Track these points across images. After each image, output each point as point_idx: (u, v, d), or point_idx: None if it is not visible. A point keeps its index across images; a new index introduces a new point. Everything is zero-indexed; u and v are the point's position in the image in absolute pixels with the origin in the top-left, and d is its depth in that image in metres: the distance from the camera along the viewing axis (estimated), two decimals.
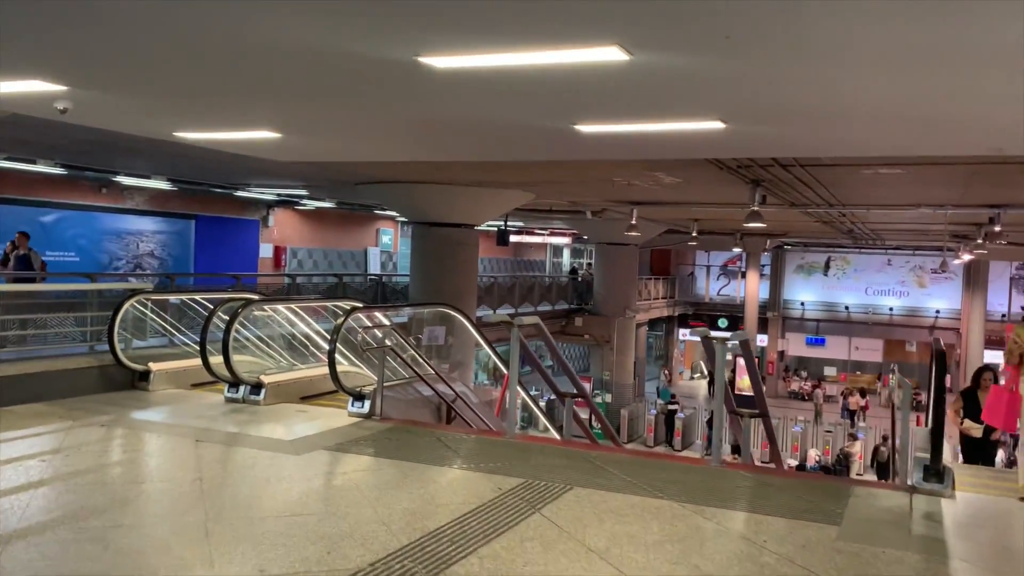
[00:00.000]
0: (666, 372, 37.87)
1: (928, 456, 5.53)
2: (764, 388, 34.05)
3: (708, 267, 40.23)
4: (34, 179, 15.71)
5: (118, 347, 8.30)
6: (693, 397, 33.98)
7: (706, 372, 42.76)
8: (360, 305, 8.32)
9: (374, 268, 26.94)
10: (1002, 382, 6.74)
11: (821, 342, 39.43)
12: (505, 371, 10.05)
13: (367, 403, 7.29)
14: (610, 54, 3.97)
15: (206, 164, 13.34)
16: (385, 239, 28.30)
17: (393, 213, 25.35)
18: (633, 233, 17.29)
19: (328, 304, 9.74)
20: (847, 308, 38.24)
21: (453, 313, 9.17)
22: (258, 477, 5.40)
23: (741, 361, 35.21)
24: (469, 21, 3.76)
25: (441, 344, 13.42)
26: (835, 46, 3.89)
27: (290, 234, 23.52)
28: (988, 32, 3.60)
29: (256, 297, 10.14)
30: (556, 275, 35.08)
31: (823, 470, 21.01)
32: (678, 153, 7.86)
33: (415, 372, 7.96)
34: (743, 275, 37.90)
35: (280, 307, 9.76)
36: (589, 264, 36.62)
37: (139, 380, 8.39)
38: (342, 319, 7.15)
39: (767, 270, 37.97)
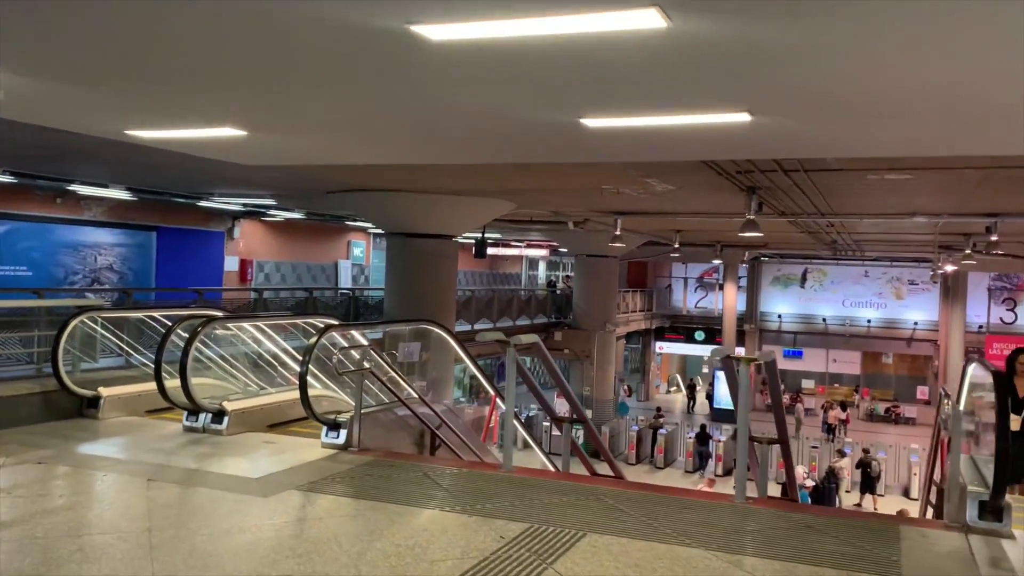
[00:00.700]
0: (626, 387, 37.22)
1: (986, 491, 4.87)
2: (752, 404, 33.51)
3: (685, 279, 39.79)
4: None
5: (63, 370, 7.44)
6: (670, 411, 33.36)
7: (683, 386, 42.32)
8: (335, 323, 7.54)
9: (345, 282, 26.08)
10: None
11: (798, 354, 39.11)
12: (492, 391, 9.33)
13: (343, 432, 6.50)
14: (646, 19, 3.27)
15: (168, 171, 12.49)
16: (357, 251, 27.46)
17: (365, 224, 24.54)
18: (617, 244, 16.66)
19: (299, 321, 8.94)
20: (824, 320, 37.97)
21: (436, 330, 8.42)
22: (218, 527, 4.60)
23: (723, 375, 34.85)
24: None
25: (416, 361, 12.67)
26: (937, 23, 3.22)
27: (257, 247, 22.61)
28: None
29: (219, 314, 9.32)
30: (534, 288, 34.41)
31: (813, 488, 20.45)
32: (688, 153, 7.20)
33: (396, 396, 7.19)
34: (720, 287, 37.50)
35: (246, 324, 8.93)
36: (567, 277, 36.03)
37: (88, 407, 7.54)
38: (315, 338, 6.37)
39: (743, 282, 37.62)
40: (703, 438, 24.56)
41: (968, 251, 18.96)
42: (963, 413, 5.04)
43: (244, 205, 19.64)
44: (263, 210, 20.74)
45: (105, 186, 15.75)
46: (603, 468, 10.08)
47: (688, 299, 39.89)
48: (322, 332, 6.48)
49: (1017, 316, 34.14)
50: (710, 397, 35.43)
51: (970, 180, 10.07)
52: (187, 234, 20.05)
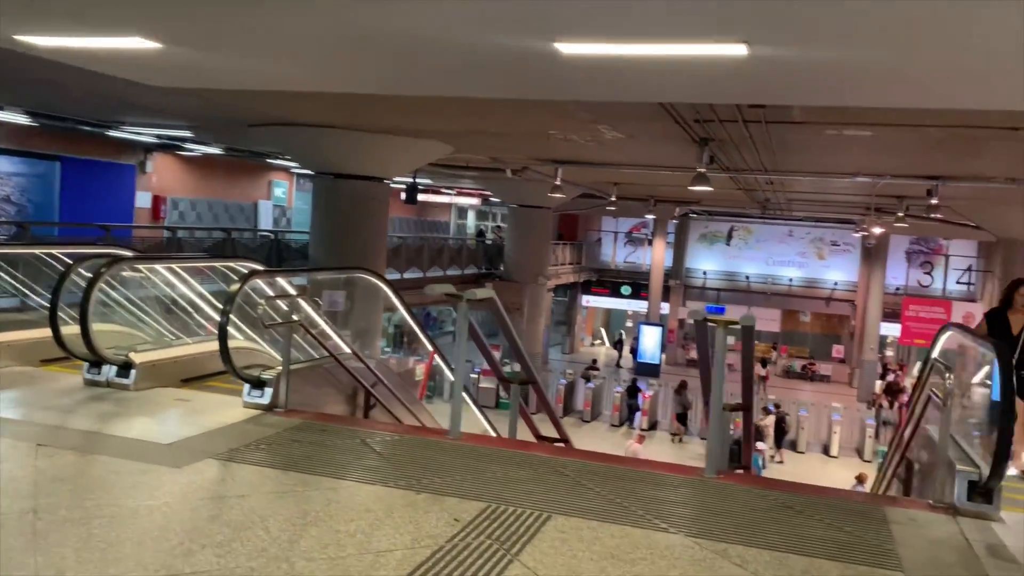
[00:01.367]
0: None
1: (975, 471, 4.52)
2: (664, 357, 33.59)
3: (616, 233, 39.62)
4: None
5: None
6: (583, 362, 33.26)
7: (607, 340, 42.48)
8: (259, 268, 6.75)
9: (266, 224, 24.87)
10: None
11: (721, 311, 39.16)
12: (430, 346, 8.71)
13: (268, 391, 5.79)
14: None
15: (72, 92, 11.27)
16: (279, 192, 26.19)
17: (289, 163, 23.31)
18: (556, 195, 16.08)
19: (218, 265, 8.08)
20: (748, 278, 38.41)
21: (373, 279, 7.69)
22: (121, 507, 3.87)
23: (648, 330, 34.96)
24: None
25: (340, 310, 11.93)
26: None
27: (171, 183, 21.22)
28: None
29: (128, 253, 8.38)
30: (464, 237, 33.62)
31: (735, 444, 20.57)
32: (671, 94, 6.60)
33: (328, 351, 6.48)
34: (649, 242, 37.47)
35: (159, 266, 8.02)
36: (498, 227, 35.40)
37: None
38: (238, 285, 5.60)
39: (671, 239, 37.66)
40: (633, 391, 24.51)
41: (900, 214, 19.06)
42: (948, 390, 4.65)
43: (158, 137, 18.25)
44: (179, 143, 19.36)
45: (0, 108, 14.29)
46: (546, 428, 9.63)
47: (617, 253, 39.78)
48: (246, 278, 5.71)
49: (933, 279, 35.10)
50: (634, 351, 35.56)
51: (929, 139, 9.79)
52: (95, 166, 18.57)
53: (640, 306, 38.67)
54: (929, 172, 13.44)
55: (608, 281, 39.00)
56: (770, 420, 21.57)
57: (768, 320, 39.34)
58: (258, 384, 5.81)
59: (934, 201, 14.16)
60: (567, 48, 4.74)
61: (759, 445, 19.09)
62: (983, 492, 4.52)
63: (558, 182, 15.73)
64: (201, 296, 8.04)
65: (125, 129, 16.93)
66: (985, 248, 34.57)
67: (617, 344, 38.01)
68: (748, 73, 5.05)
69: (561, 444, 8.68)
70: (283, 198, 26.28)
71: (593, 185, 21.62)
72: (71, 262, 7.12)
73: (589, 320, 42.49)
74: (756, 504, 4.55)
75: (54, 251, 8.49)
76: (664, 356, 35.30)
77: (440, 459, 4.99)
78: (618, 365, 35.70)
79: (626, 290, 38.84)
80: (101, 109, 14.11)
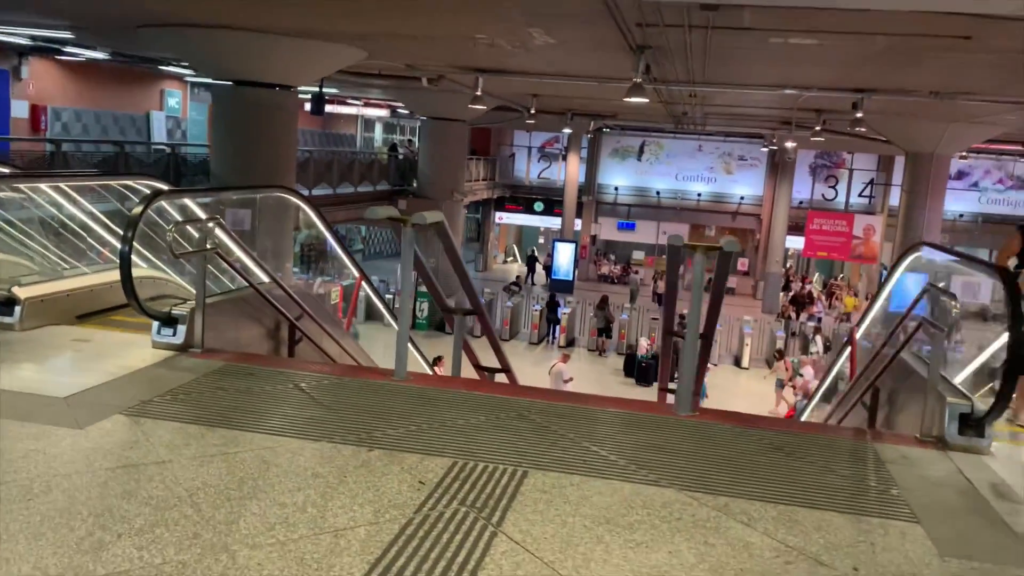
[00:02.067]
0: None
1: (966, 403, 4.25)
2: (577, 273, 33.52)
3: (529, 148, 38.90)
4: None
5: None
6: (500, 280, 32.96)
7: (520, 257, 42.22)
8: (164, 188, 5.87)
9: (159, 136, 23.14)
10: None
11: (631, 227, 39.69)
12: (356, 272, 8.03)
13: (181, 329, 5.05)
14: None
15: None
16: (172, 102, 24.36)
17: (182, 71, 21.57)
18: (477, 106, 15.26)
19: (114, 183, 7.09)
20: (658, 193, 38.48)
21: (295, 200, 6.89)
22: (9, 486, 3.16)
23: (562, 247, 34.73)
24: None
25: (246, 230, 11.05)
26: None
27: (52, 91, 19.32)
28: None
29: (6, 170, 7.33)
30: (373, 152, 32.25)
31: (654, 358, 20.71)
32: None
33: (247, 281, 5.74)
34: (563, 158, 36.96)
35: (43, 185, 7.00)
36: (410, 141, 34.16)
37: None
38: (141, 207, 4.77)
39: (584, 154, 37.23)
40: (553, 306, 24.30)
41: (818, 128, 19.06)
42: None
43: (33, 39, 16.37)
44: (58, 46, 17.46)
45: None
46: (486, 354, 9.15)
47: (531, 169, 39.16)
48: (150, 199, 4.88)
49: (837, 193, 35.91)
50: (548, 268, 35.40)
51: (871, 49, 9.47)
52: None
53: (552, 222, 38.40)
54: (865, 84, 13.23)
55: (521, 197, 38.46)
56: None
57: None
58: (169, 321, 5.06)
59: (859, 115, 14.05)
60: None
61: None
62: (975, 425, 4.26)
63: (479, 92, 14.89)
64: (94, 218, 7.10)
65: None
66: (885, 162, 35.50)
67: (529, 261, 37.75)
68: None
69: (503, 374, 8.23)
70: (177, 108, 24.45)
71: (511, 97, 20.78)
72: None
73: (502, 237, 42.06)
74: (743, 446, 4.17)
75: None
76: (576, 272, 35.28)
77: (389, 405, 4.41)
78: (531, 282, 35.47)
79: (539, 206, 38.46)
80: None
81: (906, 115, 18.24)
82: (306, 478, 3.40)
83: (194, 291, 6.89)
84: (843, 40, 9.01)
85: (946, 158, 21.26)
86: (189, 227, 5.27)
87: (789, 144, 25.90)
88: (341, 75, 17.57)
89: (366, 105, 30.57)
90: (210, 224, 5.22)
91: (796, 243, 34.58)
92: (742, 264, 39.53)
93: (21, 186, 6.90)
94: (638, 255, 40.47)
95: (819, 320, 26.87)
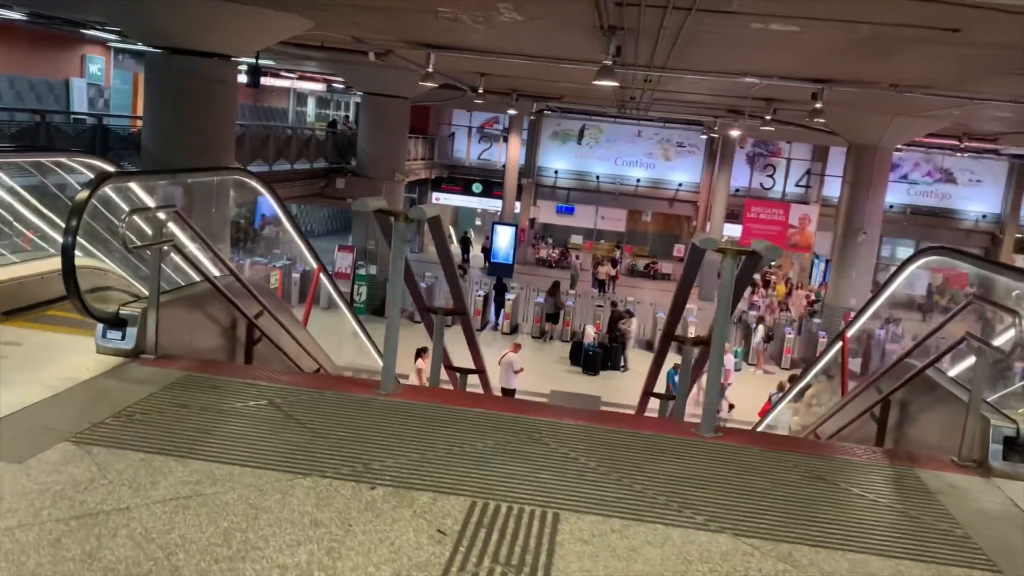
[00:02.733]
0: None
1: (1011, 425, 3.93)
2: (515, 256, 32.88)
3: (469, 128, 38.17)
4: None
5: None
6: (434, 261, 32.18)
7: (454, 238, 41.50)
8: (110, 169, 5.14)
9: (80, 106, 21.68)
10: None
11: (570, 210, 39.46)
12: (313, 262, 7.38)
13: (132, 332, 4.39)
14: None
15: None
16: (94, 69, 22.86)
17: (106, 36, 20.23)
18: (427, 84, 14.59)
19: (45, 160, 6.26)
20: (598, 178, 38.28)
21: (252, 182, 6.20)
22: None
23: (501, 230, 34.17)
24: None
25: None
26: None
27: None
28: None
29: None
30: (309, 127, 31.00)
31: (600, 347, 20.46)
32: None
33: (205, 277, 5.06)
34: (504, 139, 36.37)
35: None
36: (347, 117, 33.07)
37: None
38: (86, 192, 4.07)
39: (525, 136, 36.73)
40: (501, 288, 23.77)
41: (768, 117, 18.97)
42: None
43: None
44: None
45: None
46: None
47: (472, 150, 38.46)
48: (97, 184, 4.17)
49: (775, 182, 36.28)
50: (487, 251, 34.85)
51: (849, 39, 9.21)
52: None
53: (490, 204, 37.82)
54: (819, 76, 13.05)
55: (459, 178, 37.76)
56: (633, 324, 21.56)
57: (614, 220, 39.74)
58: (116, 322, 4.39)
59: (818, 105, 13.88)
60: None
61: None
62: (1021, 449, 3.95)
63: (430, 69, 14.21)
64: (17, 196, 6.29)
65: None
66: (820, 152, 35.99)
67: (463, 242, 37.10)
68: None
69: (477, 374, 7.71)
70: (99, 76, 22.97)
71: (456, 75, 20.07)
72: None
73: None
74: (781, 475, 3.75)
75: None
76: (514, 256, 34.82)
77: (381, 426, 3.85)
78: (463, 266, 34.90)
79: (478, 188, 37.82)
80: None
81: (854, 107, 18.28)
82: (304, 528, 2.84)
83: (133, 281, 6.23)
84: (825, 28, 8.72)
85: (889, 150, 21.49)
86: (139, 217, 4.56)
87: (735, 132, 25.87)
88: (279, 46, 16.63)
89: (300, 78, 29.39)
90: (163, 215, 4.54)
91: (733, 231, 34.82)
92: (678, 250, 39.73)
93: None
94: (576, 239, 40.27)
95: (759, 309, 27.04)
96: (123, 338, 4.40)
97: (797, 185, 36.16)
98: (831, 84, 13.43)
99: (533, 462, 3.59)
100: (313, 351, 6.67)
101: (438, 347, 5.78)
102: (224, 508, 2.91)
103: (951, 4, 6.60)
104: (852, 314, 22.41)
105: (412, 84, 20.26)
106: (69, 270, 4.13)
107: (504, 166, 36.04)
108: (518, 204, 36.60)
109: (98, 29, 18.77)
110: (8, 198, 6.27)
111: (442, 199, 38.66)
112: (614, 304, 23.17)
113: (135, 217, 4.50)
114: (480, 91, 19.27)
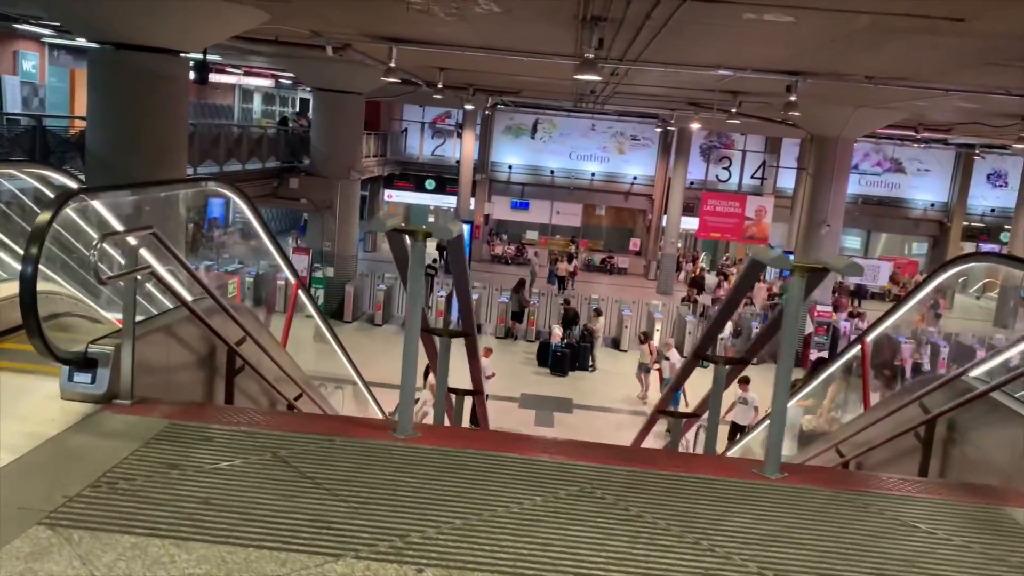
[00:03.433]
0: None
1: None
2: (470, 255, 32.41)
3: (422, 124, 37.43)
4: None
5: None
6: (390, 261, 31.44)
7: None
8: (73, 185, 4.48)
9: (13, 106, 20.48)
10: None
11: (525, 206, 39.04)
12: (292, 278, 6.77)
13: (103, 373, 3.78)
14: None
15: None
16: (28, 66, 21.65)
17: (40, 31, 19.09)
18: (390, 79, 13.97)
19: None
20: (552, 172, 37.93)
21: (230, 194, 5.57)
22: None
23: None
24: None
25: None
26: None
27: None
28: None
29: None
30: (257, 125, 29.94)
31: (568, 347, 20.04)
32: None
33: (183, 303, 4.44)
34: (458, 134, 35.75)
35: None
36: (298, 114, 32.11)
37: None
38: (49, 213, 3.44)
39: (478, 130, 36.16)
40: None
41: (734, 110, 18.75)
42: None
43: None
44: None
45: None
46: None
47: (425, 146, 37.73)
48: (62, 202, 3.54)
49: (731, 174, 36.31)
50: (442, 249, 34.18)
51: (844, 29, 8.89)
52: None
53: (443, 201, 37.17)
54: (796, 68, 12.78)
55: (412, 175, 37.04)
56: (600, 323, 21.20)
57: (570, 215, 39.44)
58: (86, 363, 3.77)
59: (793, 98, 13.63)
60: None
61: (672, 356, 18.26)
62: None
63: (392, 64, 13.58)
64: None
65: None
66: (772, 143, 36.14)
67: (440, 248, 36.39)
68: None
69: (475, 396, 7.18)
70: (33, 73, 21.76)
71: (413, 70, 19.42)
72: None
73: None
74: (871, 525, 3.31)
75: None
76: (470, 253, 34.25)
77: (409, 483, 3.31)
78: (432, 266, 34.24)
79: (431, 184, 37.15)
80: None
81: (817, 98, 18.14)
82: None
83: (92, 304, 5.55)
84: (821, 18, 8.38)
85: (850, 142, 21.48)
86: (109, 245, 3.93)
87: (695, 125, 25.68)
88: (229, 41, 15.78)
89: (247, 74, 28.36)
90: (133, 240, 3.91)
91: (689, 224, 34.74)
92: (634, 244, 39.63)
93: None
94: (531, 235, 39.87)
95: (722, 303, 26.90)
96: (93, 381, 3.79)
97: (752, 177, 36.24)
98: (805, 76, 13.19)
99: (593, 526, 3.08)
100: (290, 371, 6.07)
101: (443, 373, 5.24)
102: None
103: None
104: (819, 308, 22.37)
105: (368, 79, 19.58)
106: (30, 303, 3.48)
107: (458, 162, 35.42)
108: (472, 200, 36.04)
109: (32, 23, 17.66)
110: None
111: (395, 197, 37.94)
112: (567, 302, 22.73)
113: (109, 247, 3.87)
114: (440, 86, 18.65)
